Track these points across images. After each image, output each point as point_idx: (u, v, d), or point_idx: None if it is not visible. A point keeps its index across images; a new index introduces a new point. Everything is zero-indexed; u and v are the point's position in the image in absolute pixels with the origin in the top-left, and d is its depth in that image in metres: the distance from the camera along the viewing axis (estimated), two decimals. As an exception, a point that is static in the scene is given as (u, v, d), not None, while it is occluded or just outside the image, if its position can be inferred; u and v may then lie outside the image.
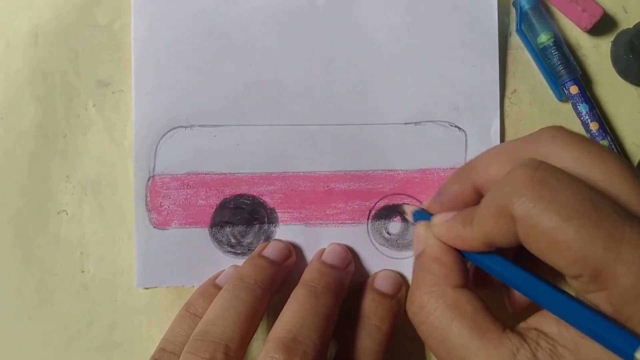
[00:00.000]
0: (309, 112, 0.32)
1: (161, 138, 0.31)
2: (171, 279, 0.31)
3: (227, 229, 0.31)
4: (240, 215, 0.31)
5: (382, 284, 0.30)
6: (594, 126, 0.31)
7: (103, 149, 0.32)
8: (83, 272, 0.31)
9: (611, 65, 0.33)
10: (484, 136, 0.32)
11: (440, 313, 0.22)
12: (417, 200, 0.32)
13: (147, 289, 0.31)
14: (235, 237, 0.31)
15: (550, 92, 0.32)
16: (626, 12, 0.33)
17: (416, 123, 0.32)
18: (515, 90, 0.32)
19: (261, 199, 0.31)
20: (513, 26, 0.32)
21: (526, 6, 0.32)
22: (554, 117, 0.32)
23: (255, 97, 0.31)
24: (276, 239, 0.31)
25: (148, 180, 0.31)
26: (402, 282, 0.31)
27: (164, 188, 0.31)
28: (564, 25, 0.33)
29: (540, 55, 0.32)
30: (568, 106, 0.32)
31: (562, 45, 0.32)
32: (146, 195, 0.31)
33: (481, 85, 0.32)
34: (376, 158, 0.32)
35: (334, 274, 0.29)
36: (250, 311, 0.26)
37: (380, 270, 0.31)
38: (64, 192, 0.31)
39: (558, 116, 0.32)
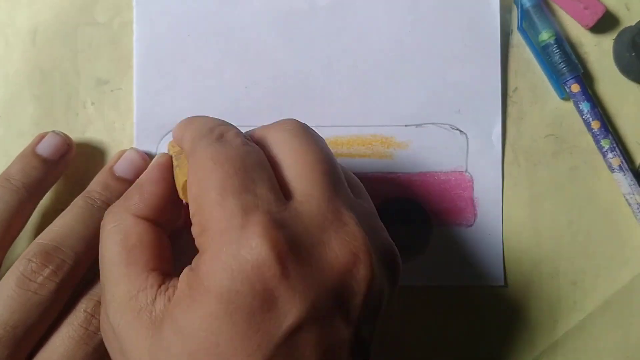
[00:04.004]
0: (310, 113, 0.31)
1: (162, 138, 0.31)
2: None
3: None
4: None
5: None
6: (595, 125, 0.31)
7: (102, 148, 0.32)
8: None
9: (613, 63, 0.32)
10: (485, 139, 0.32)
11: (108, 232, 0.23)
12: (419, 203, 0.32)
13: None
14: None
15: (552, 90, 0.32)
16: (628, 10, 0.32)
17: (417, 125, 0.32)
18: (516, 88, 0.32)
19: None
20: (514, 24, 0.32)
21: (527, 4, 0.31)
22: (555, 115, 0.32)
23: (256, 98, 0.31)
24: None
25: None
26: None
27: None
28: (566, 23, 0.32)
29: (541, 53, 0.32)
30: (570, 104, 0.32)
31: (564, 43, 0.31)
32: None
33: (483, 88, 0.32)
34: (376, 160, 0.31)
35: (119, 189, 0.28)
36: (10, 215, 0.27)
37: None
38: (63, 192, 0.31)
39: (559, 115, 0.32)
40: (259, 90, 0.31)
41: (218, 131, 0.23)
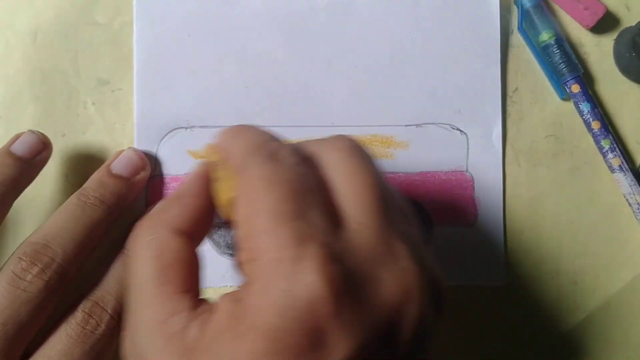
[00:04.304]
0: (310, 114, 0.31)
1: (162, 139, 0.31)
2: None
3: (224, 230, 0.31)
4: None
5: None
6: (595, 125, 0.31)
7: (102, 148, 0.32)
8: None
9: (614, 64, 0.32)
10: (485, 139, 0.32)
11: (141, 246, 0.22)
12: (419, 204, 0.32)
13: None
14: (232, 238, 0.31)
15: (552, 90, 0.32)
16: (629, 10, 0.32)
17: (417, 125, 0.32)
18: (516, 88, 0.32)
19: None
20: (514, 24, 0.32)
21: (528, 4, 0.31)
22: (555, 115, 0.32)
23: (256, 99, 0.31)
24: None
25: (148, 181, 0.31)
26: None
27: (164, 189, 0.31)
28: (566, 24, 0.32)
29: (541, 53, 0.32)
30: (570, 105, 0.32)
31: (564, 43, 0.31)
32: (146, 195, 0.31)
33: (483, 88, 0.32)
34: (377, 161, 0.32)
35: (114, 185, 0.28)
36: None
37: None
38: (62, 192, 0.31)
39: (560, 115, 0.32)
40: (259, 90, 0.31)
41: (271, 148, 0.21)
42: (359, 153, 0.22)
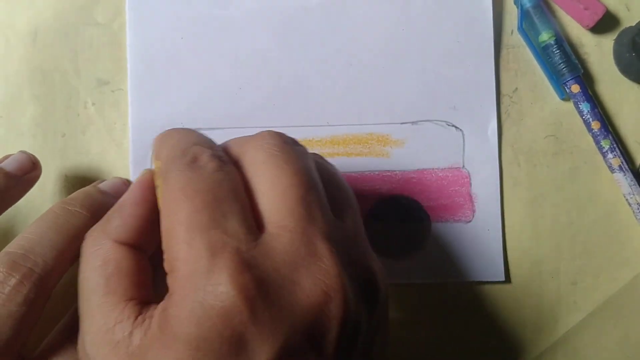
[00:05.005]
0: (305, 113, 0.31)
1: None
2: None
3: None
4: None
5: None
6: (595, 125, 0.31)
7: (102, 148, 0.32)
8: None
9: (613, 64, 0.32)
10: (481, 135, 0.32)
11: (87, 258, 0.22)
12: (416, 201, 0.32)
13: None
14: None
15: (552, 90, 0.32)
16: (629, 10, 0.32)
17: (413, 123, 0.32)
18: (516, 89, 0.32)
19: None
20: (514, 24, 0.32)
21: (528, 4, 0.31)
22: (555, 116, 0.32)
23: (250, 99, 0.31)
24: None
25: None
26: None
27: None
28: (566, 24, 0.32)
29: (541, 53, 0.32)
30: (570, 105, 0.32)
31: (564, 43, 0.31)
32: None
33: (478, 84, 0.32)
34: (373, 159, 0.32)
35: (99, 198, 0.27)
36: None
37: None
38: (62, 192, 0.31)
39: (559, 115, 0.32)
40: (253, 91, 0.31)
41: (191, 154, 0.21)
42: (281, 151, 0.22)
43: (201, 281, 0.19)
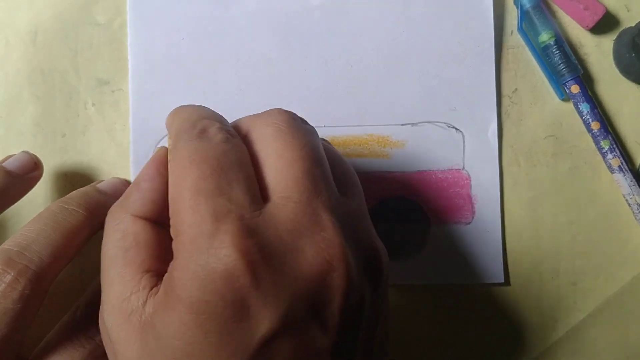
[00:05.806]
0: (306, 114, 0.31)
1: (158, 142, 0.31)
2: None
3: None
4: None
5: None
6: (595, 125, 0.31)
7: (102, 148, 0.32)
8: (82, 271, 0.31)
9: (613, 64, 0.32)
10: (481, 137, 0.32)
11: (108, 232, 0.23)
12: (416, 202, 0.32)
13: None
14: None
15: (552, 91, 0.32)
16: (629, 11, 0.32)
17: (413, 124, 0.32)
18: (516, 89, 0.32)
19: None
20: (514, 25, 0.32)
21: (527, 5, 0.31)
22: (555, 116, 0.32)
23: (251, 100, 0.31)
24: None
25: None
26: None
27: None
28: (566, 24, 0.32)
29: (541, 54, 0.32)
30: (569, 105, 0.32)
31: (564, 44, 0.31)
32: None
33: (478, 86, 0.32)
34: (373, 160, 0.32)
35: (97, 197, 0.27)
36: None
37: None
38: (62, 192, 0.31)
39: (559, 115, 0.32)
40: (254, 91, 0.31)
41: (201, 126, 0.22)
42: (289, 126, 0.22)
43: (204, 244, 0.19)
